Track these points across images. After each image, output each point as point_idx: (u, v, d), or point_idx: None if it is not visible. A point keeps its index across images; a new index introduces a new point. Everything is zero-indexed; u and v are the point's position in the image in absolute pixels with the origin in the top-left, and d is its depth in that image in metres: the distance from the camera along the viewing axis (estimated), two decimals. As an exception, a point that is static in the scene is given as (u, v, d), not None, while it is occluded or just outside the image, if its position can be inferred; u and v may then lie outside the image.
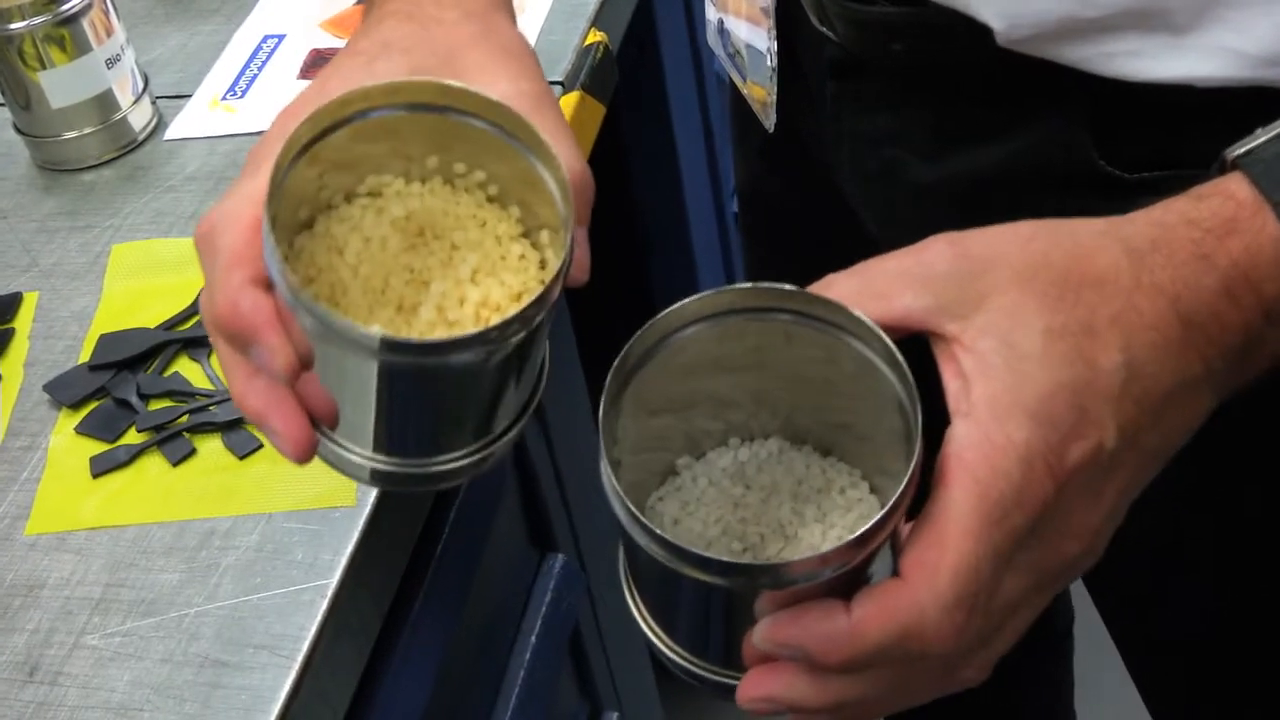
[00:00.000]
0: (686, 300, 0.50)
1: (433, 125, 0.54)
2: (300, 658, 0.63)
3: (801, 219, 0.89)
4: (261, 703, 0.62)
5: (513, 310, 0.52)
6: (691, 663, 0.53)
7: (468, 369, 0.51)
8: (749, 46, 0.77)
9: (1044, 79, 0.62)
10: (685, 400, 0.54)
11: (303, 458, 0.53)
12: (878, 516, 0.46)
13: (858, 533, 0.46)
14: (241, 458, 0.73)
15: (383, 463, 0.55)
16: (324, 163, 0.54)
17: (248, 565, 0.67)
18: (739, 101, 0.85)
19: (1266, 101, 0.57)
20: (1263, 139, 0.50)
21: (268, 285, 0.52)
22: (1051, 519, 0.47)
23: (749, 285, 0.50)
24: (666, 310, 0.51)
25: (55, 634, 0.66)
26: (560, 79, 0.94)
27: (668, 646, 0.53)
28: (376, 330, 0.50)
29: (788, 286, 0.50)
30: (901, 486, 0.46)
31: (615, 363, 0.50)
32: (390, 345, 0.50)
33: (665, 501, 0.55)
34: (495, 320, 0.53)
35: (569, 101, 0.93)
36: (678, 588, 0.49)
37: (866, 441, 0.54)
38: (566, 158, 0.54)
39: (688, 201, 1.46)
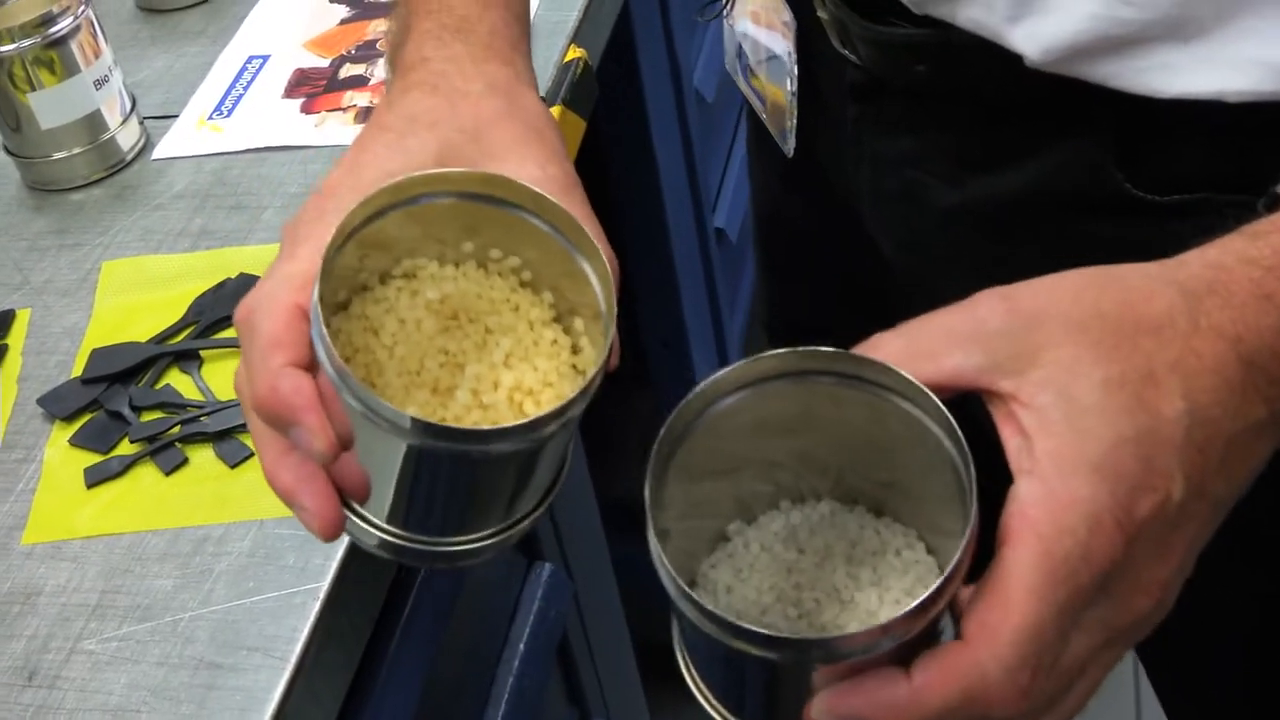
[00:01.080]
0: (727, 369, 0.50)
1: (469, 210, 0.55)
2: (293, 659, 0.64)
3: (820, 243, 0.88)
4: (256, 703, 0.63)
5: (555, 403, 0.53)
6: None
7: (505, 457, 0.52)
8: (770, 57, 0.78)
9: (1069, 100, 0.62)
10: (732, 464, 0.53)
11: (330, 536, 0.53)
12: (937, 583, 0.45)
13: (917, 601, 0.44)
14: (233, 466, 0.74)
15: (405, 539, 0.55)
16: (365, 246, 0.55)
17: (241, 570, 0.69)
18: (757, 126, 0.85)
19: None
20: None
21: (307, 367, 0.52)
22: (1121, 575, 0.46)
23: (792, 350, 0.49)
24: (707, 380, 0.50)
25: (53, 639, 0.68)
26: (541, 95, 0.96)
27: (718, 711, 0.52)
28: (422, 416, 0.51)
29: (831, 349, 0.49)
30: (960, 549, 0.45)
31: (657, 439, 0.49)
32: (435, 431, 0.51)
33: (718, 569, 0.54)
34: (535, 410, 0.54)
35: (550, 116, 0.95)
36: (730, 658, 0.48)
37: (919, 500, 0.53)
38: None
39: (669, 215, 1.48)
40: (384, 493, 0.53)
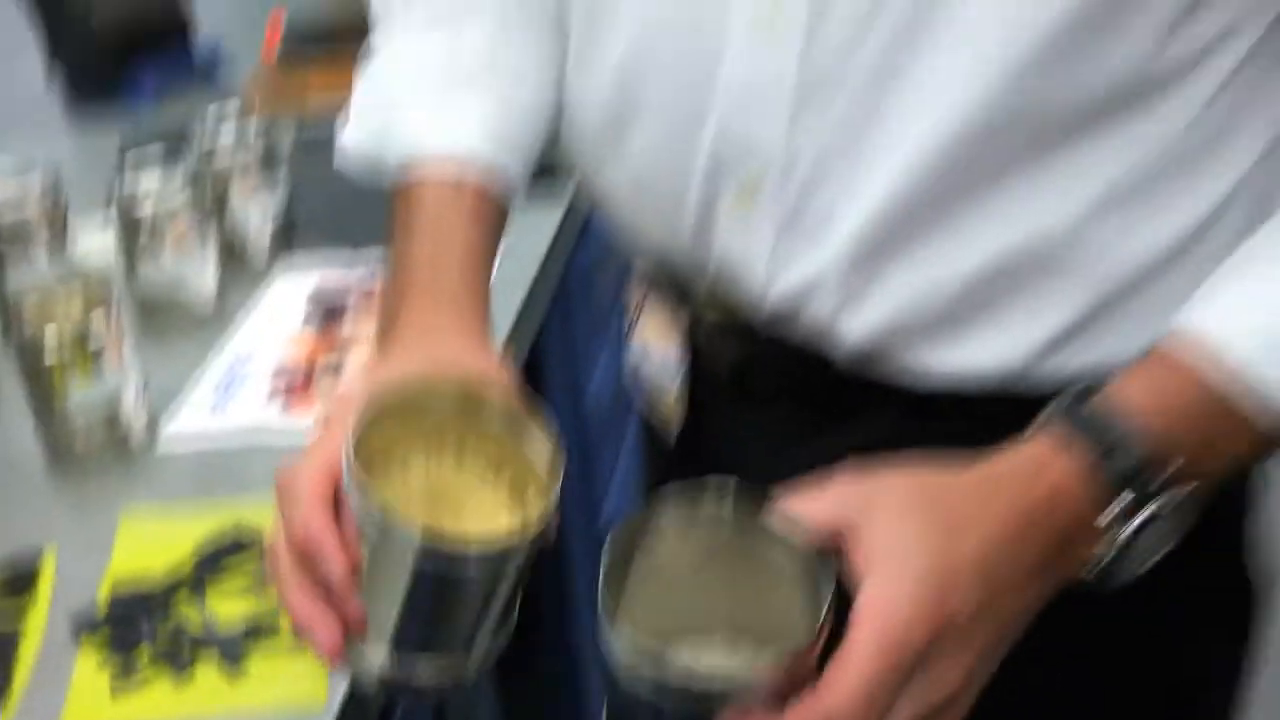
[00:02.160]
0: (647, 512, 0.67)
1: (454, 407, 0.72)
2: None
3: None
4: None
5: (502, 539, 0.67)
6: None
7: (466, 579, 0.66)
8: (664, 368, 0.91)
9: (866, 391, 0.78)
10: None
11: (334, 663, 0.68)
12: (795, 644, 0.60)
13: (782, 656, 0.59)
14: (233, 678, 0.93)
15: (381, 668, 0.68)
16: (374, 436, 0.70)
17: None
18: (649, 427, 0.99)
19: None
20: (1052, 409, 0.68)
21: (335, 520, 0.67)
22: (935, 657, 0.61)
23: (690, 499, 0.67)
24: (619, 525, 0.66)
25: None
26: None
27: None
28: (421, 525, 0.65)
29: (725, 496, 0.66)
30: (820, 620, 0.60)
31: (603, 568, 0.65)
32: (432, 546, 0.65)
33: None
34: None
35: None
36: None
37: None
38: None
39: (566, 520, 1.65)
40: (383, 614, 0.67)
